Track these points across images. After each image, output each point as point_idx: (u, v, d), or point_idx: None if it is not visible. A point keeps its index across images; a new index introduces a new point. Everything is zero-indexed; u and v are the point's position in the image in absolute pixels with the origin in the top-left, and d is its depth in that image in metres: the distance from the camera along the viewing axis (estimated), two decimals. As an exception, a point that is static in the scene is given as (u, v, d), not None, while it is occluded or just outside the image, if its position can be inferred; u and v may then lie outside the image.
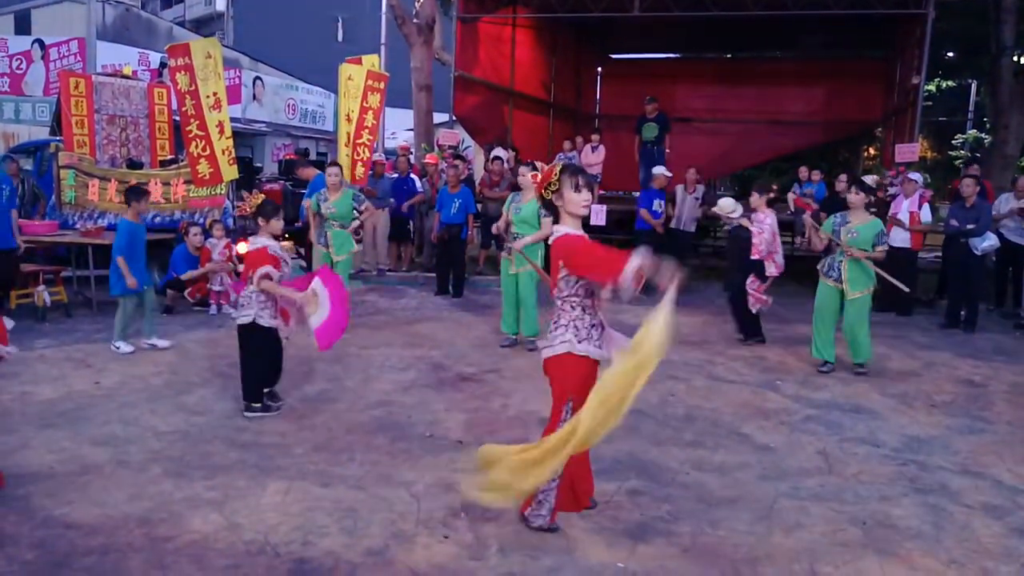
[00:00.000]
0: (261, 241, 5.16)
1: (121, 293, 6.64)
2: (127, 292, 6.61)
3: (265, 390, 5.25)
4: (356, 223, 7.91)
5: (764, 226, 7.30)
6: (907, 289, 7.36)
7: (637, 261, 3.16)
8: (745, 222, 7.55)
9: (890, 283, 6.65)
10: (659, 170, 10.45)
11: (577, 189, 3.53)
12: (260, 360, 5.18)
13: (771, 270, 7.35)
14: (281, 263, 5.15)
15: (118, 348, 6.61)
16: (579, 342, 3.51)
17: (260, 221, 5.18)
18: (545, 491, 3.57)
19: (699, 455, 4.71)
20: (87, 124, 10.29)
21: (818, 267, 6.77)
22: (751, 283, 7.42)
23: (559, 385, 3.60)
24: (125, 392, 5.58)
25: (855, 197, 6.51)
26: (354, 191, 8.07)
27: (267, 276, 5.03)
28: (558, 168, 3.61)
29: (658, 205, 10.22)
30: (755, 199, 7.49)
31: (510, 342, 7.24)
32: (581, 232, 3.54)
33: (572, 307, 3.54)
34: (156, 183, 9.21)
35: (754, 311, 7.55)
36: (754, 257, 7.37)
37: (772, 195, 7.55)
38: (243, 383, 5.22)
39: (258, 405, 5.17)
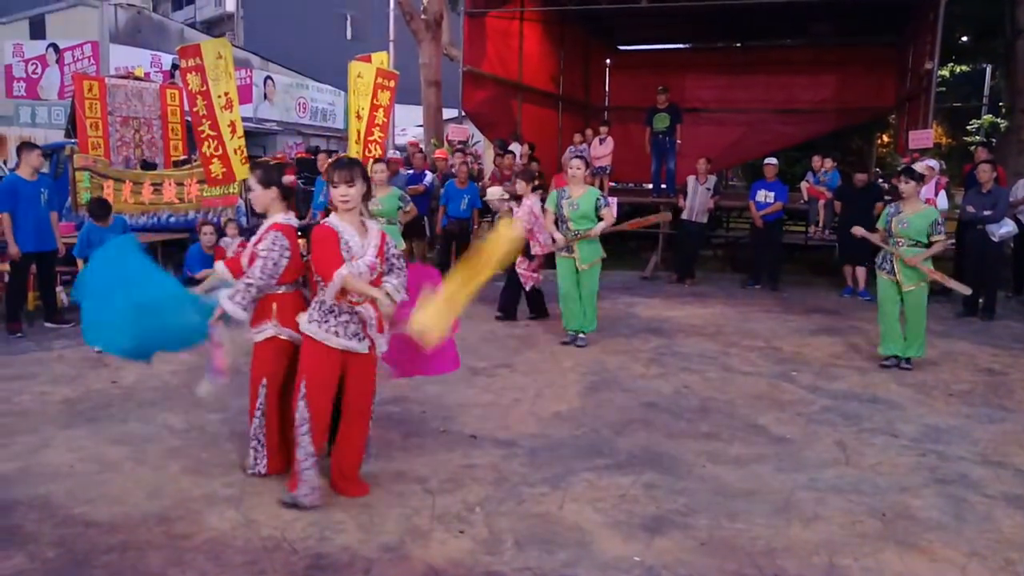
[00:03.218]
0: None
1: None
2: None
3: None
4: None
5: (524, 208, 7.70)
6: (968, 291, 7.05)
7: (345, 272, 3.55)
8: (513, 205, 7.96)
9: (947, 284, 6.55)
10: (770, 160, 10.66)
11: (334, 184, 3.71)
12: None
13: (535, 249, 7.69)
14: None
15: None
16: (309, 322, 3.72)
17: None
18: (304, 470, 3.75)
19: (715, 447, 4.69)
20: (101, 126, 10.35)
21: (875, 260, 6.66)
22: (520, 263, 7.75)
23: (302, 365, 3.81)
24: (142, 391, 5.62)
25: (905, 186, 6.35)
26: (400, 191, 8.09)
27: None
28: (331, 162, 3.86)
29: (763, 196, 10.33)
30: (521, 187, 7.79)
31: (571, 338, 7.14)
32: (338, 227, 3.68)
33: (320, 290, 3.72)
34: (170, 183, 9.28)
35: (527, 288, 7.89)
36: None
37: (536, 182, 8.17)
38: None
39: None
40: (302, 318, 3.78)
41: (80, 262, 6.86)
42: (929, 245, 6.24)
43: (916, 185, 6.38)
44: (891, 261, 6.34)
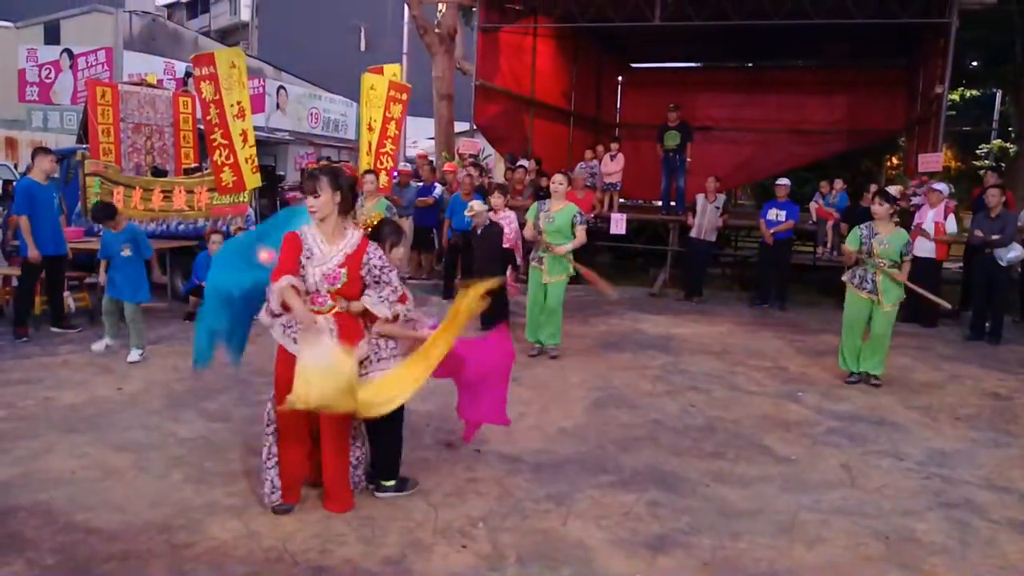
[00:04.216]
0: None
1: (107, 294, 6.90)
2: (106, 293, 6.87)
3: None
4: None
5: (510, 219, 7.94)
6: (948, 306, 7.41)
7: (283, 283, 3.56)
8: (494, 217, 8.08)
9: (929, 298, 6.73)
10: (782, 181, 10.72)
11: (304, 193, 3.81)
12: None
13: (520, 260, 7.96)
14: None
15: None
16: (284, 330, 3.78)
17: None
18: (266, 469, 3.83)
19: (719, 467, 4.67)
20: (113, 132, 10.43)
21: (843, 278, 6.70)
22: (511, 274, 7.96)
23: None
24: (147, 398, 5.63)
25: (879, 208, 6.47)
26: (387, 201, 8.31)
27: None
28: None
29: (774, 214, 10.34)
30: (499, 201, 7.98)
31: (537, 351, 7.21)
32: (305, 234, 3.73)
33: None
34: (180, 191, 9.32)
35: (511, 299, 7.99)
36: (506, 246, 7.92)
37: (508, 197, 8.53)
38: (392, 457, 4.20)
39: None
40: (268, 320, 3.87)
41: (102, 264, 7.00)
42: (900, 265, 6.42)
43: (890, 207, 6.53)
44: (872, 281, 6.46)
